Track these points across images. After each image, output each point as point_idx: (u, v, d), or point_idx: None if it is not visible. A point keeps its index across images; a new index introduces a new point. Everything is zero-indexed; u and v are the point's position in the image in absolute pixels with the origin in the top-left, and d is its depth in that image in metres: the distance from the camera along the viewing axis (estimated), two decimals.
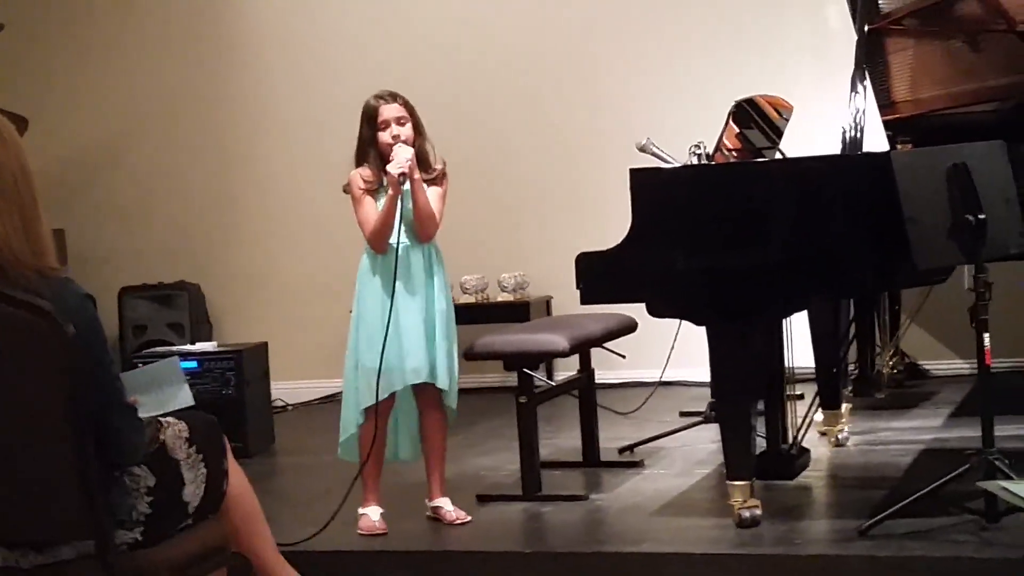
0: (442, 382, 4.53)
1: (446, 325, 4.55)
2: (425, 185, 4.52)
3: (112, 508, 2.99)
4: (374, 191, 4.53)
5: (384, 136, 4.51)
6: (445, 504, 4.66)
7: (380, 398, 4.48)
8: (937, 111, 5.49)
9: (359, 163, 4.57)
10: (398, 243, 4.45)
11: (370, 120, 4.53)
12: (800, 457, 5.02)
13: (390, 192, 4.44)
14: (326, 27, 7.99)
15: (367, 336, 4.52)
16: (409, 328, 4.49)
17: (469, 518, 4.64)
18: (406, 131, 4.51)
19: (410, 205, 4.48)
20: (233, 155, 8.17)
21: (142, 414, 3.12)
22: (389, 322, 4.41)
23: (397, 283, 4.47)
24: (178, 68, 8.20)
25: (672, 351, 5.88)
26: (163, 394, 3.40)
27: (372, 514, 4.59)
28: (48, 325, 2.81)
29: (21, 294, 2.83)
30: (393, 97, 4.54)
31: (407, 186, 4.44)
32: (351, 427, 4.58)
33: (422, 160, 4.54)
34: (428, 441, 4.67)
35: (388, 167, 4.44)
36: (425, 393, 4.61)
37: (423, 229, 4.52)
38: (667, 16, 7.47)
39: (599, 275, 4.36)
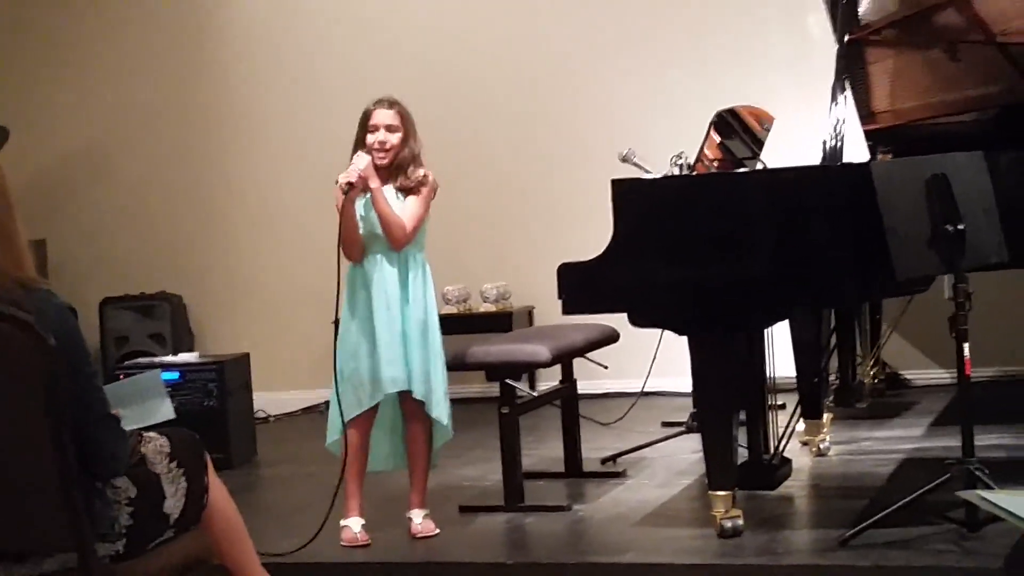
0: (417, 392, 4.53)
1: (420, 335, 4.54)
2: (401, 194, 4.54)
3: (94, 520, 2.98)
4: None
5: (370, 139, 4.54)
6: (415, 516, 4.64)
7: (360, 409, 4.50)
8: (917, 121, 5.50)
9: None
10: (356, 252, 4.48)
11: (363, 122, 4.58)
12: (782, 467, 5.02)
13: (343, 200, 4.46)
14: (310, 38, 7.98)
15: (344, 346, 4.55)
16: (383, 338, 4.49)
17: (436, 531, 4.62)
18: (392, 139, 4.53)
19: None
20: (215, 165, 8.15)
21: (124, 427, 3.11)
22: (371, 331, 4.43)
23: (372, 292, 4.51)
24: (160, 78, 8.18)
25: (654, 361, 5.87)
26: (145, 407, 3.39)
27: (354, 525, 4.58)
28: (29, 337, 2.80)
29: (2, 306, 2.82)
30: (390, 104, 4.58)
31: (367, 195, 4.47)
32: (335, 433, 4.59)
33: (400, 168, 4.55)
34: (409, 451, 4.67)
35: (339, 176, 4.47)
36: (407, 403, 4.61)
37: (390, 236, 4.52)
38: (648, 28, 7.48)
39: (581, 285, 4.36)
